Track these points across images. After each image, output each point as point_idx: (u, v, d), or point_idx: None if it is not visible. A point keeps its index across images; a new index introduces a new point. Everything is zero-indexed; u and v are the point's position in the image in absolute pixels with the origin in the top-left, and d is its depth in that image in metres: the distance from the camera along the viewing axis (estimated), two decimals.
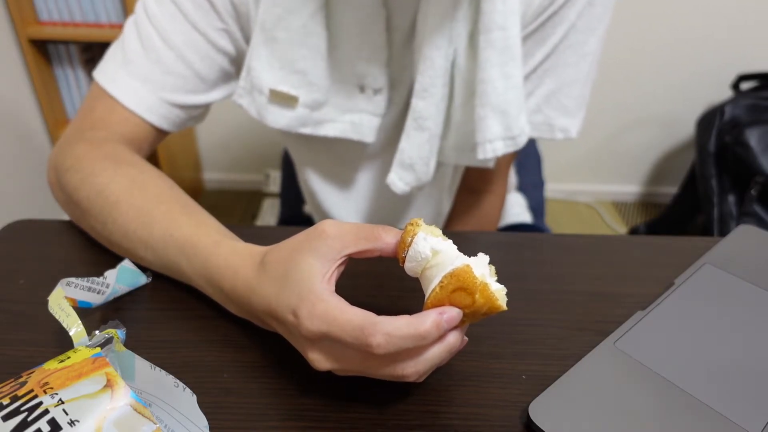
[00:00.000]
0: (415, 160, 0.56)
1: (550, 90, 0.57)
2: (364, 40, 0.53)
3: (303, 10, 0.50)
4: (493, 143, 0.54)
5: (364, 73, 0.55)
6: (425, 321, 0.30)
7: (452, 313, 0.31)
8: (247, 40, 0.56)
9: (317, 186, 0.70)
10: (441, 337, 0.32)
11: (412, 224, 0.33)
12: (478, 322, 0.42)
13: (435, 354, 0.32)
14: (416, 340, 0.30)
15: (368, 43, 0.53)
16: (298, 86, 0.54)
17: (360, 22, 0.52)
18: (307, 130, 0.57)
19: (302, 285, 0.32)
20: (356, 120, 0.57)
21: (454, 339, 0.32)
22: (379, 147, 0.63)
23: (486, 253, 0.33)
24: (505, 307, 0.32)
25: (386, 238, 0.34)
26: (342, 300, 0.32)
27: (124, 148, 0.51)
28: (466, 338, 0.34)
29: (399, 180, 0.57)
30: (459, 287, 0.31)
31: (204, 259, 0.40)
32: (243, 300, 0.37)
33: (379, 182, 0.67)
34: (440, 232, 0.33)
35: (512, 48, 0.50)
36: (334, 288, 0.34)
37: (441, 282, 0.31)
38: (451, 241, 0.33)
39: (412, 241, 0.32)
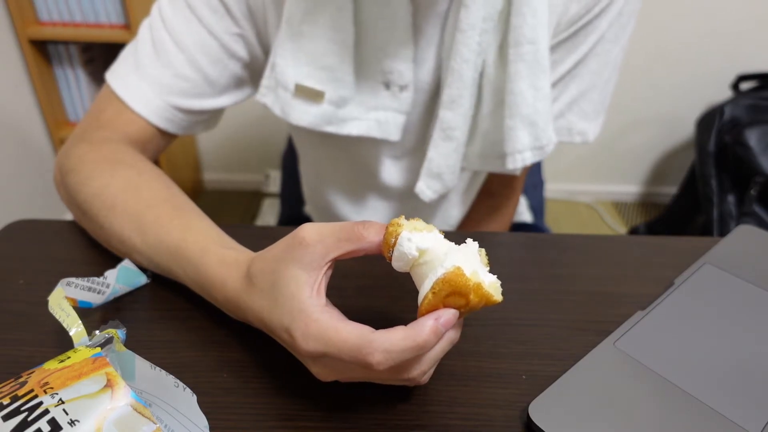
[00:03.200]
0: (443, 169, 0.56)
1: (573, 96, 0.58)
2: (391, 36, 0.52)
3: (330, 4, 0.50)
4: (523, 153, 0.54)
5: (389, 70, 0.54)
6: (423, 330, 0.30)
7: (448, 316, 0.31)
8: (263, 45, 0.56)
9: (331, 187, 0.69)
10: (413, 326, 0.31)
11: (393, 225, 0.32)
12: (477, 321, 0.42)
13: (437, 352, 0.32)
14: (415, 350, 0.30)
15: (395, 39, 0.52)
16: (324, 82, 0.53)
17: (387, 17, 0.51)
18: (331, 129, 0.56)
19: (292, 302, 0.32)
20: (381, 118, 0.56)
21: (453, 334, 0.32)
22: (401, 150, 0.63)
23: (487, 254, 0.33)
24: (500, 299, 0.31)
25: (369, 237, 0.32)
26: (334, 315, 0.31)
27: (125, 148, 0.51)
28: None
29: (427, 188, 0.58)
30: (452, 292, 0.30)
31: (194, 268, 0.40)
32: (237, 310, 0.38)
33: (400, 185, 0.66)
34: (423, 224, 0.32)
35: (541, 61, 0.51)
36: (324, 298, 0.33)
37: (433, 288, 0.31)
38: (436, 231, 0.32)
39: (395, 242, 0.31)
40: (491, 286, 0.31)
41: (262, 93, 0.56)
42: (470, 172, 0.66)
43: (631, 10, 0.54)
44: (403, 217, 0.32)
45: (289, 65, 0.53)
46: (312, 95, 0.54)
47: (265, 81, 0.55)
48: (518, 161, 0.54)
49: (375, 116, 0.56)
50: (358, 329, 0.30)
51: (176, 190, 0.48)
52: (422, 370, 0.32)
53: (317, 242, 0.33)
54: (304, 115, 0.55)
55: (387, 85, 0.55)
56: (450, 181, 0.57)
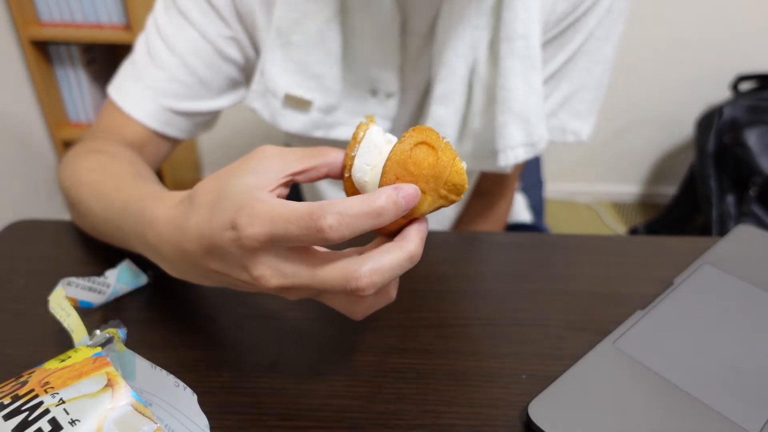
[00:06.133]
0: None
1: (564, 95, 0.58)
2: (378, 46, 0.53)
3: (319, 14, 0.51)
4: (515, 150, 0.54)
5: (377, 78, 0.55)
6: (380, 197, 0.27)
7: (409, 189, 0.28)
8: (255, 47, 0.56)
9: (326, 190, 0.70)
10: (399, 241, 0.29)
11: (364, 122, 0.31)
12: (477, 321, 0.42)
13: (394, 261, 0.28)
14: (371, 217, 0.27)
15: (382, 49, 0.53)
16: (313, 90, 0.54)
17: (375, 27, 0.52)
18: (319, 134, 0.57)
19: (240, 196, 0.28)
20: None
21: (414, 246, 0.29)
22: None
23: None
24: (467, 185, 0.29)
25: (333, 154, 0.31)
26: (287, 200, 0.28)
27: (113, 144, 0.51)
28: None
29: None
30: (422, 141, 0.29)
31: (133, 216, 0.37)
32: (172, 247, 0.32)
33: None
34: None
35: (533, 56, 0.51)
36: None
37: (402, 137, 0.29)
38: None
39: (364, 136, 0.30)
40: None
41: (252, 98, 0.56)
42: None
43: (620, 8, 0.54)
44: (374, 116, 0.32)
45: (279, 73, 0.53)
46: (301, 104, 0.54)
47: (255, 86, 0.56)
48: (510, 158, 0.54)
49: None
50: (309, 203, 0.27)
51: (144, 169, 0.47)
52: (373, 280, 0.27)
53: (278, 155, 0.30)
54: (293, 122, 0.55)
55: (374, 92, 0.56)
56: None
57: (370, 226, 0.27)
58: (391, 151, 0.29)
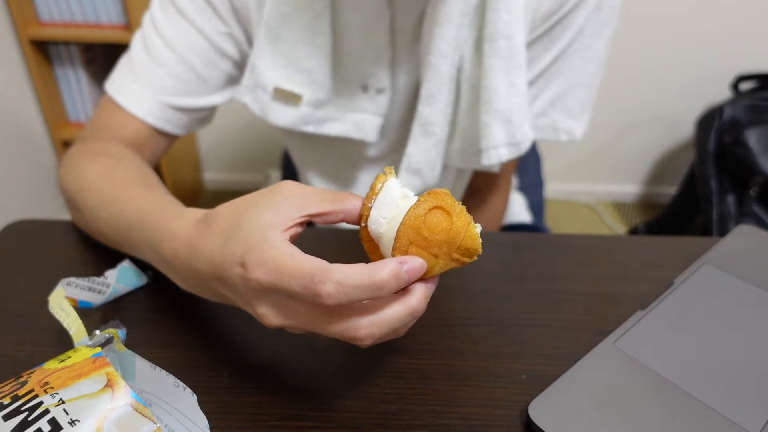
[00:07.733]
0: (422, 164, 0.56)
1: (556, 93, 0.57)
2: (368, 41, 0.53)
3: (308, 9, 0.51)
4: (498, 149, 0.54)
5: (367, 73, 0.55)
6: (383, 270, 0.27)
7: (414, 264, 0.28)
8: (250, 42, 0.56)
9: (321, 186, 0.70)
10: (403, 294, 0.29)
11: (383, 173, 0.31)
12: (477, 321, 0.42)
13: (394, 316, 0.28)
14: (371, 290, 0.27)
15: (372, 44, 0.53)
16: (302, 84, 0.54)
17: (364, 22, 0.52)
18: (310, 129, 0.57)
19: (253, 233, 0.29)
20: (358, 119, 0.57)
21: (417, 302, 0.29)
22: (383, 148, 0.63)
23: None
24: (480, 249, 0.29)
25: (352, 201, 0.32)
26: (296, 248, 0.29)
27: (114, 145, 0.51)
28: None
29: (406, 184, 0.58)
30: (437, 206, 0.29)
31: (149, 227, 0.38)
32: (185, 264, 0.34)
33: None
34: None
35: (517, 56, 0.51)
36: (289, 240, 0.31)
37: (417, 201, 0.29)
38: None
39: (382, 187, 0.30)
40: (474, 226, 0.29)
41: (242, 92, 0.57)
42: (455, 170, 0.67)
43: (611, 5, 0.54)
44: (393, 168, 0.32)
45: (268, 67, 0.54)
46: (290, 98, 0.55)
47: (245, 81, 0.56)
48: (493, 157, 0.54)
49: (353, 118, 0.57)
50: (316, 259, 0.28)
51: (153, 176, 0.47)
52: (372, 332, 0.28)
53: (298, 195, 0.31)
54: (283, 116, 0.55)
55: (364, 88, 0.56)
56: (430, 178, 0.57)
57: (369, 297, 0.27)
58: (405, 216, 0.29)
